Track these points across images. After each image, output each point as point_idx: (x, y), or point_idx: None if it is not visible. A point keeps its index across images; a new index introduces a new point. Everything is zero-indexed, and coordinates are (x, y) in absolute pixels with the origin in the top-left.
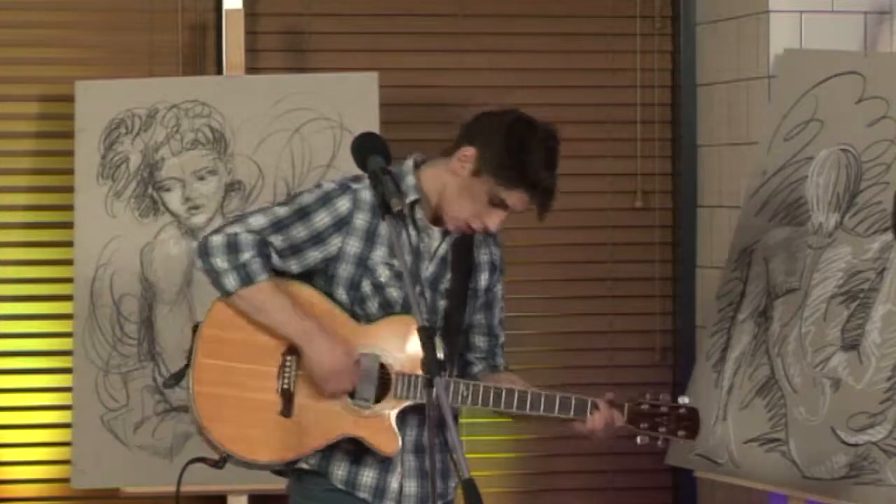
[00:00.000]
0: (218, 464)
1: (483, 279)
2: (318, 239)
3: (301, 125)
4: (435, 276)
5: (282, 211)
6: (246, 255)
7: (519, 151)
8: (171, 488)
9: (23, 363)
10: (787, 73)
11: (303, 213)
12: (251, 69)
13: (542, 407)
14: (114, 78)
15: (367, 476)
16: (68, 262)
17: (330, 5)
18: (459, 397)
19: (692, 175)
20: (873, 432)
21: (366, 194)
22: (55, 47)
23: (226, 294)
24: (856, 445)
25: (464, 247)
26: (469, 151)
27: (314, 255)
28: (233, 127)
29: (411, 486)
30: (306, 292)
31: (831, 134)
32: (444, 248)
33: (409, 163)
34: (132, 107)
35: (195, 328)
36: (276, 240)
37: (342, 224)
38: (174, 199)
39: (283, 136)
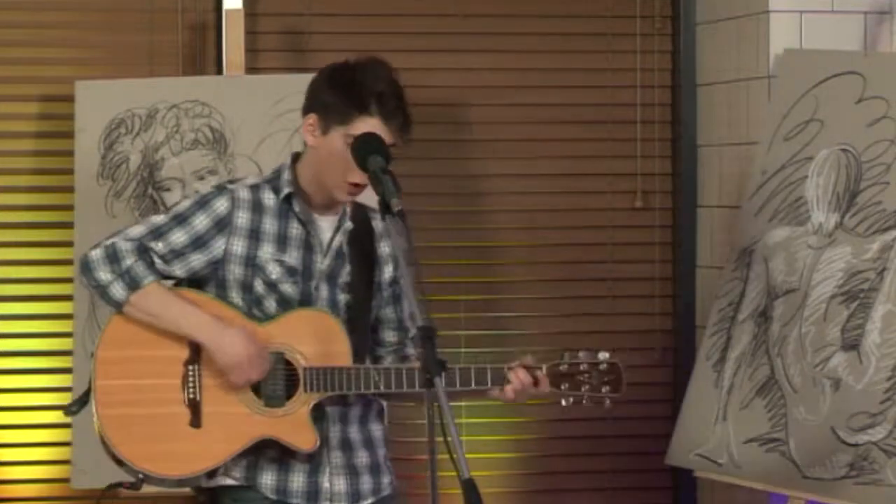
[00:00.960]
0: (133, 485)
1: (387, 272)
2: (199, 242)
3: (301, 125)
4: (332, 270)
5: (159, 219)
6: (128, 262)
7: (345, 82)
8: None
9: (23, 363)
10: (787, 73)
11: (181, 219)
12: (251, 69)
13: (458, 382)
14: (114, 78)
15: (298, 481)
16: (68, 262)
17: (330, 5)
18: (372, 384)
19: (692, 175)
20: (873, 432)
21: (244, 193)
22: (55, 47)
23: (117, 305)
24: (856, 445)
25: (362, 239)
26: (310, 119)
27: (198, 259)
28: (233, 127)
29: (340, 484)
30: (200, 297)
31: (831, 134)
32: (337, 240)
33: (288, 159)
34: (132, 107)
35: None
36: (157, 245)
37: (223, 225)
38: (174, 199)
39: (283, 136)
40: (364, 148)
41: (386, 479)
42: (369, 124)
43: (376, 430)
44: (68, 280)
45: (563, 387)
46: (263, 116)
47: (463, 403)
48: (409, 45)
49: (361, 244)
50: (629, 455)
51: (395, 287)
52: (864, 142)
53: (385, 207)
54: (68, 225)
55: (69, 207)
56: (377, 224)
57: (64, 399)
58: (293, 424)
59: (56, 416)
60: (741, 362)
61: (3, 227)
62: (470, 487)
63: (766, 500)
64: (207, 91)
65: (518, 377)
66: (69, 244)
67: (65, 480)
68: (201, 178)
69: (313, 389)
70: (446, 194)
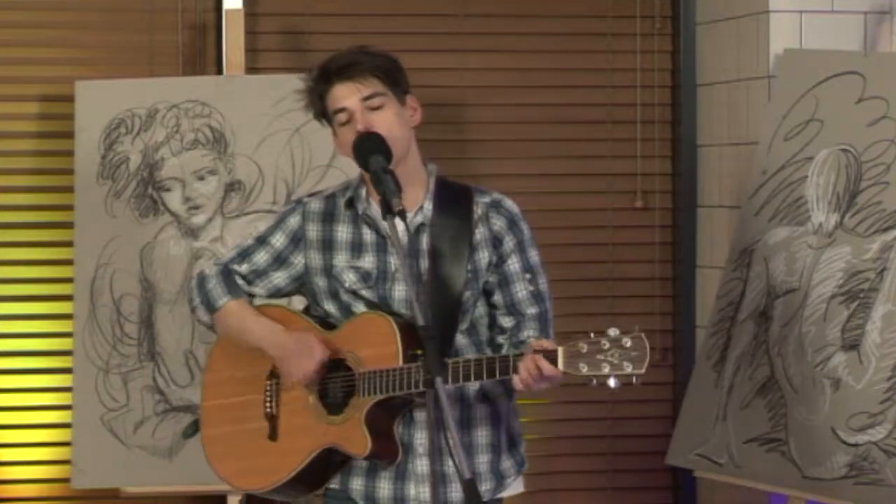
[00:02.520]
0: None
1: (482, 257)
2: (280, 259)
3: (301, 125)
4: (410, 267)
5: (247, 242)
6: (209, 285)
7: (312, 80)
8: (171, 488)
9: (23, 363)
10: (787, 73)
11: (262, 240)
12: (251, 69)
13: (484, 373)
14: (114, 78)
15: (384, 487)
16: (68, 262)
17: (330, 5)
18: (413, 382)
19: (692, 175)
20: (873, 432)
21: (316, 205)
22: (55, 47)
23: (209, 327)
24: (856, 445)
25: (453, 226)
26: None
27: (280, 276)
28: (233, 127)
29: (426, 492)
30: (277, 311)
31: (831, 134)
32: (410, 236)
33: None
34: (132, 107)
35: None
36: (242, 267)
37: (297, 240)
38: (174, 199)
39: (283, 136)
40: (364, 148)
41: (484, 487)
42: (334, 93)
43: (482, 435)
44: (68, 280)
45: (581, 368)
46: (263, 116)
47: None
48: (409, 45)
49: (452, 232)
50: (629, 455)
51: (498, 271)
52: (864, 142)
53: (386, 207)
54: (68, 225)
55: (69, 207)
56: (478, 208)
57: (64, 399)
58: (349, 430)
59: (56, 416)
60: (741, 362)
61: (3, 227)
62: (470, 487)
63: (766, 500)
64: (207, 91)
65: (527, 363)
66: (69, 244)
67: (65, 480)
68: (201, 178)
69: (366, 394)
70: None
